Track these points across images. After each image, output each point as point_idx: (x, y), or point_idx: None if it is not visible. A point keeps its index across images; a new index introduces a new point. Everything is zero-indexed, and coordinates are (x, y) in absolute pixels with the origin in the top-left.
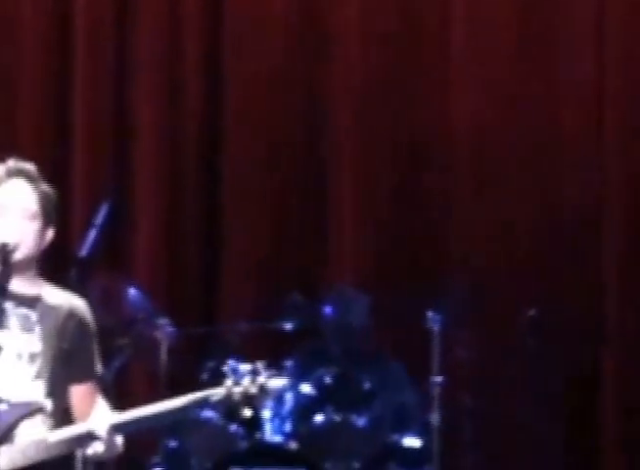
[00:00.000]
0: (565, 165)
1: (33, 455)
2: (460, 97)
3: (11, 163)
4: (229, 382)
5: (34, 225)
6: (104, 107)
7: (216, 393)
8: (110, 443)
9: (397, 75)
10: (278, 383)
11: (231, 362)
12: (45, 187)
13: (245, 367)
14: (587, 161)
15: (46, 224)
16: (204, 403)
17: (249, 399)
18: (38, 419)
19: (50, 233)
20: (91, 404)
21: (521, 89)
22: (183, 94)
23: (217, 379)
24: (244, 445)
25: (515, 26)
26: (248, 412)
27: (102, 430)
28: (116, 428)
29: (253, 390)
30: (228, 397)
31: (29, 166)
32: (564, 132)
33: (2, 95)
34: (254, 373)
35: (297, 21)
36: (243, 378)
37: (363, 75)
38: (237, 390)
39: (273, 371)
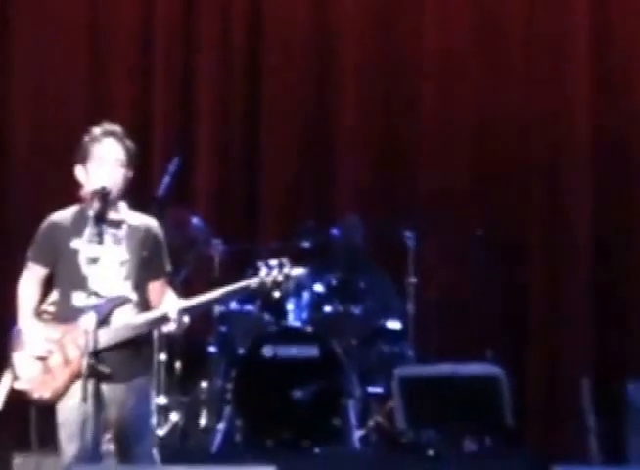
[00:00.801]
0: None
1: (124, 334)
2: None
3: (105, 125)
4: (263, 273)
5: (123, 171)
6: (176, 90)
7: (253, 281)
8: (179, 322)
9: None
10: (298, 271)
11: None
12: (129, 143)
13: (273, 262)
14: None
15: (129, 170)
16: (246, 289)
17: (277, 284)
18: (128, 308)
19: (130, 175)
20: (163, 295)
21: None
22: (232, 76)
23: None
24: (274, 328)
25: None
26: (277, 294)
27: (173, 312)
28: (184, 311)
29: (280, 277)
30: (262, 283)
31: (118, 128)
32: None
33: (99, 83)
34: (281, 266)
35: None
36: (272, 270)
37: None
38: (268, 278)
39: (294, 264)
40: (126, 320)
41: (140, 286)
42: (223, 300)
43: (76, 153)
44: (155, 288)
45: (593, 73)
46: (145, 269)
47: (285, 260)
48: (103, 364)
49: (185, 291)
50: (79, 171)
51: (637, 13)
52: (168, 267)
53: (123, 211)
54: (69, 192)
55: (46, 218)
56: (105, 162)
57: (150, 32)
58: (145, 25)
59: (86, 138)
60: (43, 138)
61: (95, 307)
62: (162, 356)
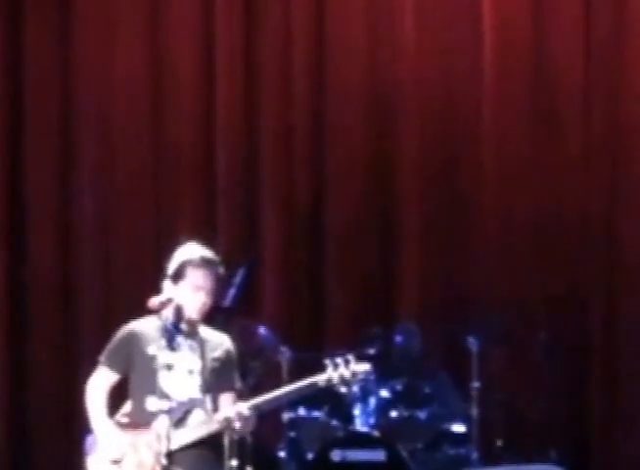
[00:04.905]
0: None
1: (195, 435)
2: None
3: (206, 253)
4: (329, 369)
5: (208, 299)
6: (239, 198)
7: (321, 378)
8: (244, 423)
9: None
10: (364, 367)
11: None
12: (221, 271)
13: (339, 359)
14: None
15: (212, 295)
16: (313, 387)
17: (344, 381)
18: (199, 412)
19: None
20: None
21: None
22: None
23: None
24: (341, 433)
25: None
26: (343, 389)
27: (232, 412)
28: (252, 408)
29: (347, 373)
30: (329, 380)
31: (217, 259)
32: None
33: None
34: (347, 362)
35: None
36: (339, 366)
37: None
38: (335, 375)
39: (360, 361)
40: (197, 422)
41: (211, 394)
42: (292, 398)
43: (169, 266)
44: (224, 400)
45: None
46: (215, 380)
47: (351, 357)
48: (176, 466)
49: (253, 398)
50: (168, 287)
51: None
52: (238, 384)
53: (197, 325)
54: (138, 295)
55: (122, 327)
56: (198, 289)
57: (212, 135)
58: (206, 128)
59: (184, 258)
60: (108, 241)
61: (168, 411)
62: (234, 462)
